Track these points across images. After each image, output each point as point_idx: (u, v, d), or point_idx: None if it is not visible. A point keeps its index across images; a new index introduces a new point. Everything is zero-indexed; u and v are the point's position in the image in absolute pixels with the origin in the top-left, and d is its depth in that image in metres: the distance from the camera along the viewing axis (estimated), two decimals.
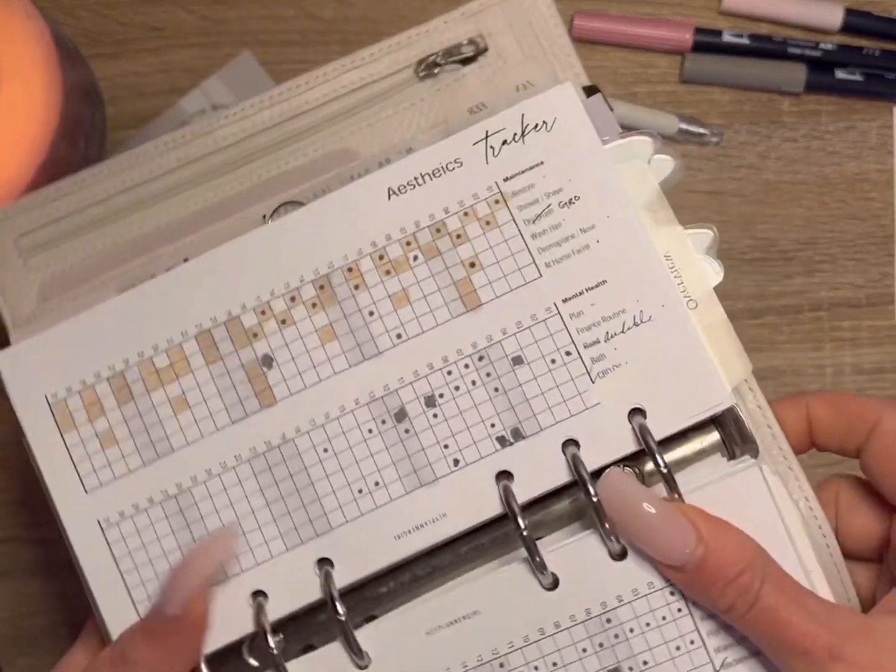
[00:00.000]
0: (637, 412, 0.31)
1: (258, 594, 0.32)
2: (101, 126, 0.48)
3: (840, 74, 0.48)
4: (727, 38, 0.48)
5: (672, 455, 0.32)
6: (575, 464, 0.31)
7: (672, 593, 0.31)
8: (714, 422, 0.32)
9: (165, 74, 0.48)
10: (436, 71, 0.35)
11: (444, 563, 0.32)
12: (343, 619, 0.31)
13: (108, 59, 0.48)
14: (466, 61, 0.35)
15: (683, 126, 0.48)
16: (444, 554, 0.32)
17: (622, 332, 0.32)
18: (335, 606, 0.31)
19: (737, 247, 0.48)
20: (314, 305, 0.33)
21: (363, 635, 0.31)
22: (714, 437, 0.32)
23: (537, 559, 0.30)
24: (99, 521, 0.33)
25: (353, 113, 0.35)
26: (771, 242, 0.48)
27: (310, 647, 0.32)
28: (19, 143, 0.41)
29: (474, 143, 0.33)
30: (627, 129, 0.34)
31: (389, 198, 0.33)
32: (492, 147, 0.33)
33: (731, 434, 0.32)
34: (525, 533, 0.30)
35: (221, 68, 0.48)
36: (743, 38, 0.48)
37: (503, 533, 0.32)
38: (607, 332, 0.32)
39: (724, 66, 0.48)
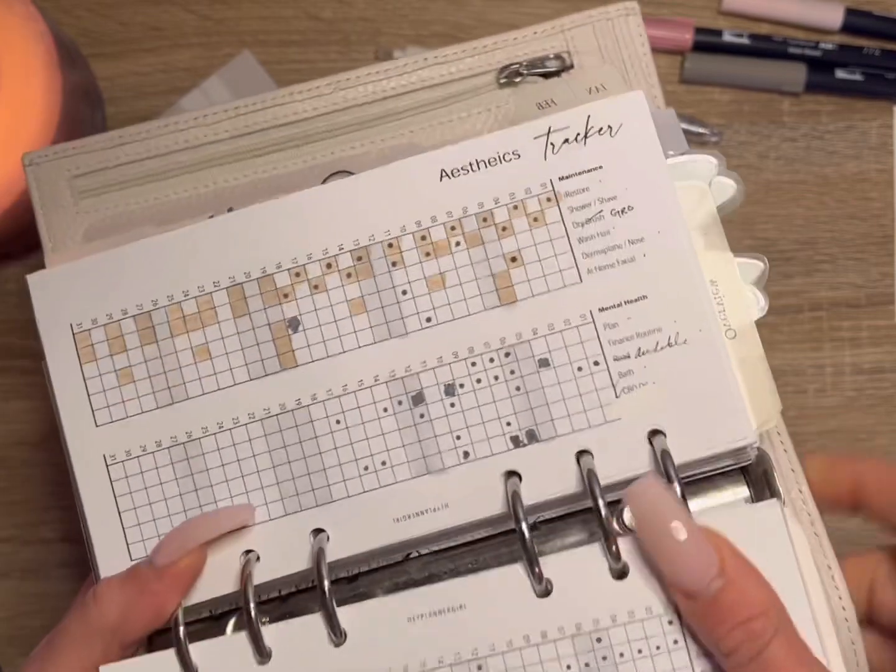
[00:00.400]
0: (657, 434, 0.31)
1: (249, 552, 0.31)
2: (101, 126, 0.48)
3: (840, 74, 0.48)
4: (727, 37, 0.48)
5: (694, 498, 0.31)
6: (588, 476, 0.30)
7: (670, 622, 0.29)
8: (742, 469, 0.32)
9: (165, 74, 0.48)
10: (517, 80, 0.35)
11: (442, 569, 0.32)
12: (326, 590, 0.30)
13: (108, 59, 0.48)
14: (549, 75, 0.35)
15: (683, 126, 0.48)
16: (444, 561, 0.32)
17: (654, 350, 0.31)
18: (321, 575, 0.30)
19: (736, 247, 0.48)
20: (349, 276, 0.32)
21: (343, 612, 0.30)
22: (742, 491, 0.32)
23: (534, 563, 0.30)
24: (105, 457, 0.32)
25: (425, 109, 0.35)
26: (771, 242, 0.48)
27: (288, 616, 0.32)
28: (19, 143, 0.41)
29: (535, 137, 0.32)
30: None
31: (441, 179, 0.32)
32: (552, 144, 0.32)
33: (757, 481, 0.31)
34: (526, 534, 0.30)
35: (221, 68, 0.48)
36: (743, 37, 0.48)
37: (509, 551, 0.32)
38: (639, 349, 0.31)
39: (724, 65, 0.48)
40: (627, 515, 0.30)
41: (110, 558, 0.32)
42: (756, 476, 0.32)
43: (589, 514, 0.30)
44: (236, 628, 0.32)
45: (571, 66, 0.35)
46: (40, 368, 0.47)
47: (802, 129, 0.49)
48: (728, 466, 0.32)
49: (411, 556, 0.32)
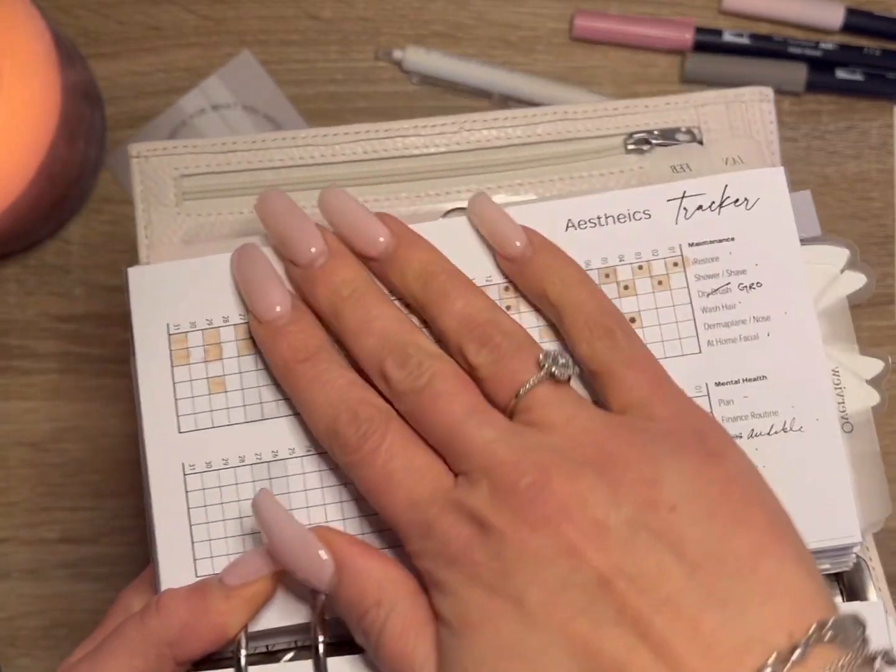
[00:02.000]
0: None
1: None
2: (101, 126, 0.48)
3: (840, 74, 0.48)
4: (727, 37, 0.48)
5: None
6: None
7: None
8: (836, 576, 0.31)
9: (165, 74, 0.48)
10: (645, 148, 0.34)
11: None
12: None
13: (107, 59, 0.48)
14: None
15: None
16: None
17: (768, 433, 0.30)
18: None
19: None
20: None
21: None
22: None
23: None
24: (183, 465, 0.31)
25: (548, 163, 0.35)
26: None
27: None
28: (19, 143, 0.41)
29: (668, 200, 0.32)
30: None
31: (567, 229, 0.32)
32: (685, 209, 0.32)
33: (853, 588, 0.31)
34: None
35: (221, 68, 0.48)
36: (743, 37, 0.48)
37: None
38: (752, 430, 0.30)
39: (724, 65, 0.48)
40: None
41: (174, 572, 0.30)
42: (852, 583, 0.31)
43: None
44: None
45: (700, 143, 0.34)
46: (40, 368, 0.47)
47: (803, 129, 0.49)
48: (823, 571, 0.30)
49: None
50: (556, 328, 0.31)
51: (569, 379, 0.29)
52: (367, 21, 0.49)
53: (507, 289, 0.32)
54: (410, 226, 0.32)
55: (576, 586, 0.25)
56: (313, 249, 0.31)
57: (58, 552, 0.46)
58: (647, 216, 0.32)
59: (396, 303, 0.31)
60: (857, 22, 0.48)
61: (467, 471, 0.27)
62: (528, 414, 0.28)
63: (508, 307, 0.32)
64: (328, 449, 0.30)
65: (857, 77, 0.48)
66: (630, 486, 0.26)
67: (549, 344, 0.31)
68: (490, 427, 0.28)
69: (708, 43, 0.48)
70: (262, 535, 0.29)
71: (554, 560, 0.25)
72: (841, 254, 0.32)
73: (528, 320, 0.31)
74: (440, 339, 0.30)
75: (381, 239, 0.31)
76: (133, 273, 0.32)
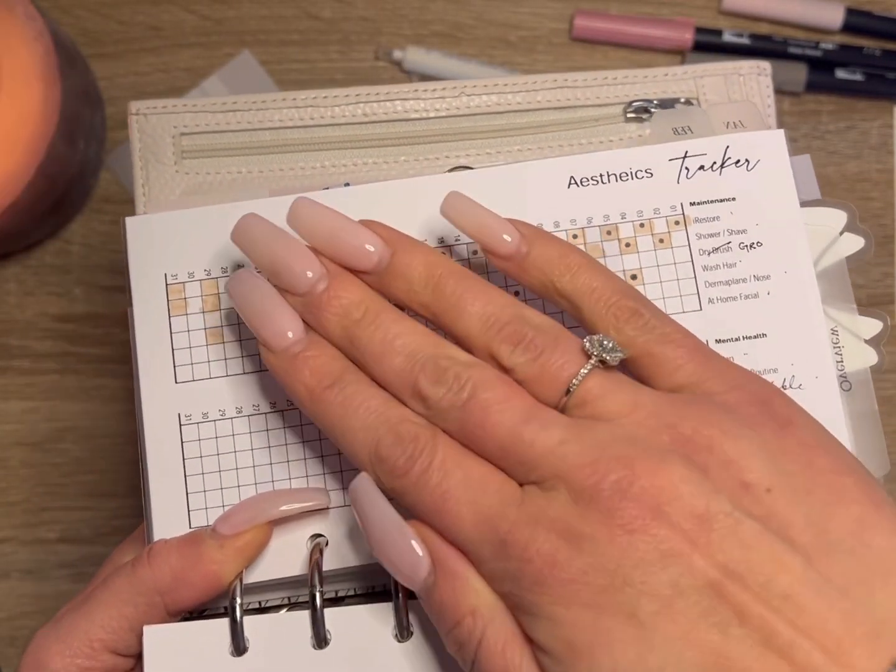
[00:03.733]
0: None
1: (318, 537, 0.30)
2: (101, 126, 0.48)
3: (840, 74, 0.48)
4: (727, 37, 0.48)
5: None
6: None
7: None
8: None
9: (165, 74, 0.48)
10: (644, 116, 0.35)
11: None
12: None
13: (108, 59, 0.48)
14: None
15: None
16: None
17: None
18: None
19: None
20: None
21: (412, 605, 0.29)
22: None
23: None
24: (179, 415, 0.31)
25: (548, 130, 0.35)
26: None
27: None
28: (19, 143, 0.41)
29: (670, 160, 0.32)
30: None
31: (569, 186, 0.32)
32: (686, 168, 0.32)
33: None
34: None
35: (221, 68, 0.48)
36: (743, 37, 0.48)
37: None
38: None
39: None
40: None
41: (167, 522, 0.30)
42: None
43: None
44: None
45: None
46: (40, 369, 0.47)
47: (803, 129, 0.49)
48: None
49: None
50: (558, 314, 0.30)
51: (618, 363, 0.26)
52: (367, 21, 0.49)
53: None
54: (415, 178, 0.32)
55: (689, 589, 0.23)
56: (310, 274, 0.28)
57: (57, 552, 0.46)
58: (650, 175, 0.32)
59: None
60: (857, 22, 0.48)
61: (539, 479, 0.25)
62: (585, 408, 0.26)
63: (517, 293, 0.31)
64: (374, 477, 0.27)
65: (857, 77, 0.48)
66: (718, 469, 0.24)
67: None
68: (554, 428, 0.25)
69: (708, 43, 0.48)
70: (358, 521, 0.27)
71: (660, 564, 0.23)
72: (839, 216, 0.32)
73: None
74: (464, 348, 0.28)
75: (372, 249, 0.28)
76: (131, 223, 0.32)
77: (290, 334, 0.28)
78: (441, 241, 0.32)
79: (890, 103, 0.49)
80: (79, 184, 0.47)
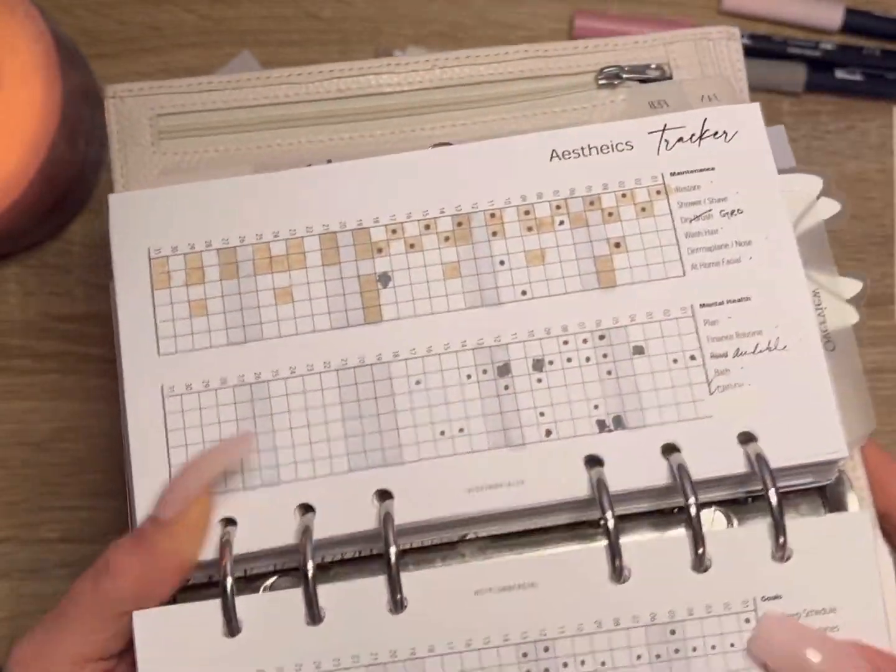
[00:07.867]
0: (747, 437, 0.30)
1: (306, 507, 0.30)
2: (101, 126, 0.48)
3: (840, 74, 0.48)
4: None
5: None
6: (679, 471, 0.30)
7: (747, 620, 0.29)
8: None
9: (165, 74, 0.48)
10: (616, 83, 0.35)
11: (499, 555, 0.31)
12: (393, 554, 0.29)
13: (108, 59, 0.48)
14: (647, 81, 0.35)
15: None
16: (502, 547, 0.31)
17: (753, 352, 0.31)
18: (387, 539, 0.29)
19: None
20: (447, 239, 0.32)
21: (406, 578, 0.29)
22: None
23: (616, 556, 0.29)
24: (162, 387, 0.31)
25: (521, 100, 0.36)
26: None
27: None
28: (19, 143, 0.41)
29: (650, 132, 0.33)
30: None
31: (551, 159, 0.33)
32: (666, 140, 0.33)
33: (835, 501, 0.31)
34: (611, 523, 0.29)
35: (221, 68, 0.48)
36: (743, 37, 0.48)
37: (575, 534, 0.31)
38: (737, 349, 0.31)
39: None
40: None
41: (149, 496, 0.30)
42: (834, 496, 0.31)
43: (656, 514, 0.31)
44: (272, 590, 0.31)
45: (670, 78, 0.36)
46: (40, 368, 0.47)
47: (802, 129, 0.49)
48: (805, 485, 0.31)
49: (467, 537, 0.31)
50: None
51: None
52: (367, 21, 0.49)
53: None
54: (397, 154, 0.32)
55: None
56: None
57: (58, 552, 0.46)
58: (630, 147, 0.33)
59: None
60: (856, 22, 0.49)
61: None
62: None
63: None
64: None
65: (857, 77, 0.48)
66: None
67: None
68: None
69: None
70: (772, 665, 0.28)
71: None
72: (815, 182, 0.34)
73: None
74: None
75: None
76: (114, 199, 0.33)
77: None
78: (425, 213, 0.32)
79: (889, 103, 0.49)
80: (79, 184, 0.47)
